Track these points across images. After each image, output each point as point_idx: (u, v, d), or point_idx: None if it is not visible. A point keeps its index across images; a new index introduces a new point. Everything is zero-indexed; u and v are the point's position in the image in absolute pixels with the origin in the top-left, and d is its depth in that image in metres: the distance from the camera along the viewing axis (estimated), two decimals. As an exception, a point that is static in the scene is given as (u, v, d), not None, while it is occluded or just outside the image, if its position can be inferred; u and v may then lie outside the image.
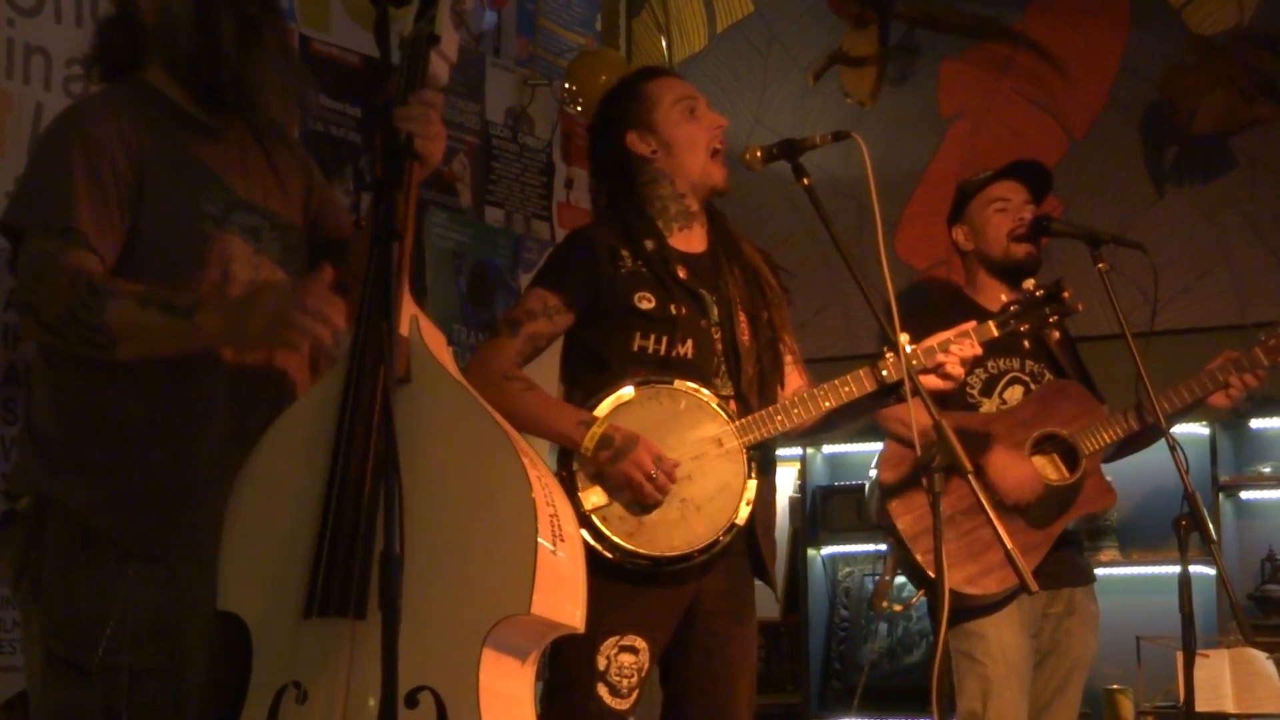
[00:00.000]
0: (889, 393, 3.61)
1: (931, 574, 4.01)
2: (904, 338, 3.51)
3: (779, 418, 3.57)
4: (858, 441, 5.65)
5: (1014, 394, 4.35)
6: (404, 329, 2.73)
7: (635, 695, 3.50)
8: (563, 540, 2.69)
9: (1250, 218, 5.37)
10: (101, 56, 3.00)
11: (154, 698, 2.71)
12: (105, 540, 2.74)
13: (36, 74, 3.85)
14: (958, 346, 3.63)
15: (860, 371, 3.61)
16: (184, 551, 2.77)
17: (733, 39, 6.26)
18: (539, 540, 2.58)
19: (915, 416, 3.35)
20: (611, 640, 3.44)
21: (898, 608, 5.31)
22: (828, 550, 5.83)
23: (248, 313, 2.68)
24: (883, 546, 5.60)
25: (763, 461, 3.62)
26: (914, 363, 3.54)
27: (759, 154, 3.67)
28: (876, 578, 5.42)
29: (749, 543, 3.62)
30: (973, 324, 3.71)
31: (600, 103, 3.94)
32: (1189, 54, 5.42)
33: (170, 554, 2.76)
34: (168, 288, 2.76)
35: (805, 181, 3.56)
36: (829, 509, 5.72)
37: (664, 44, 6.22)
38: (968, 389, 4.31)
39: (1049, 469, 4.25)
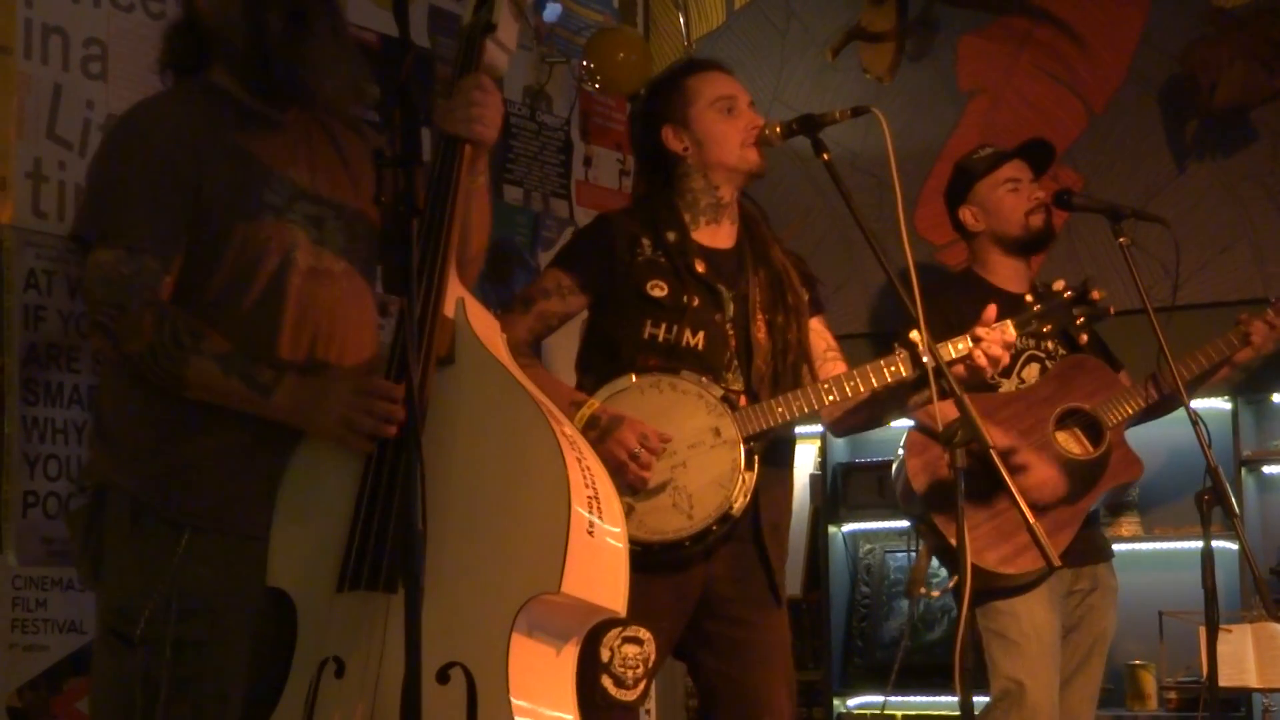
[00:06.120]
0: (910, 388, 3.59)
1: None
2: (916, 334, 3.45)
3: (779, 409, 3.55)
4: (878, 418, 5.65)
5: (1031, 372, 4.36)
6: (449, 310, 2.75)
7: (642, 686, 3.48)
8: (602, 522, 2.68)
9: (1272, 191, 5.34)
10: (170, 61, 3.08)
11: (193, 669, 2.76)
12: (153, 515, 2.82)
13: (55, 54, 3.85)
14: (986, 344, 3.57)
15: (869, 367, 3.58)
16: (230, 529, 2.83)
17: (750, 16, 6.24)
18: (573, 520, 2.59)
19: (941, 411, 3.33)
20: (614, 632, 3.42)
21: (934, 593, 5.32)
22: (849, 527, 5.82)
23: (320, 414, 2.76)
24: (903, 523, 5.61)
25: (770, 455, 3.60)
26: (928, 358, 3.50)
27: (778, 129, 3.66)
28: (912, 561, 5.42)
29: (755, 539, 3.60)
30: (992, 314, 3.66)
31: (645, 90, 3.96)
32: (1209, 27, 5.38)
33: (216, 528, 2.82)
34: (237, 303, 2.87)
35: (825, 157, 3.55)
36: (850, 486, 5.71)
37: (682, 21, 6.19)
38: (986, 370, 4.32)
39: (1072, 444, 4.25)
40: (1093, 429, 4.25)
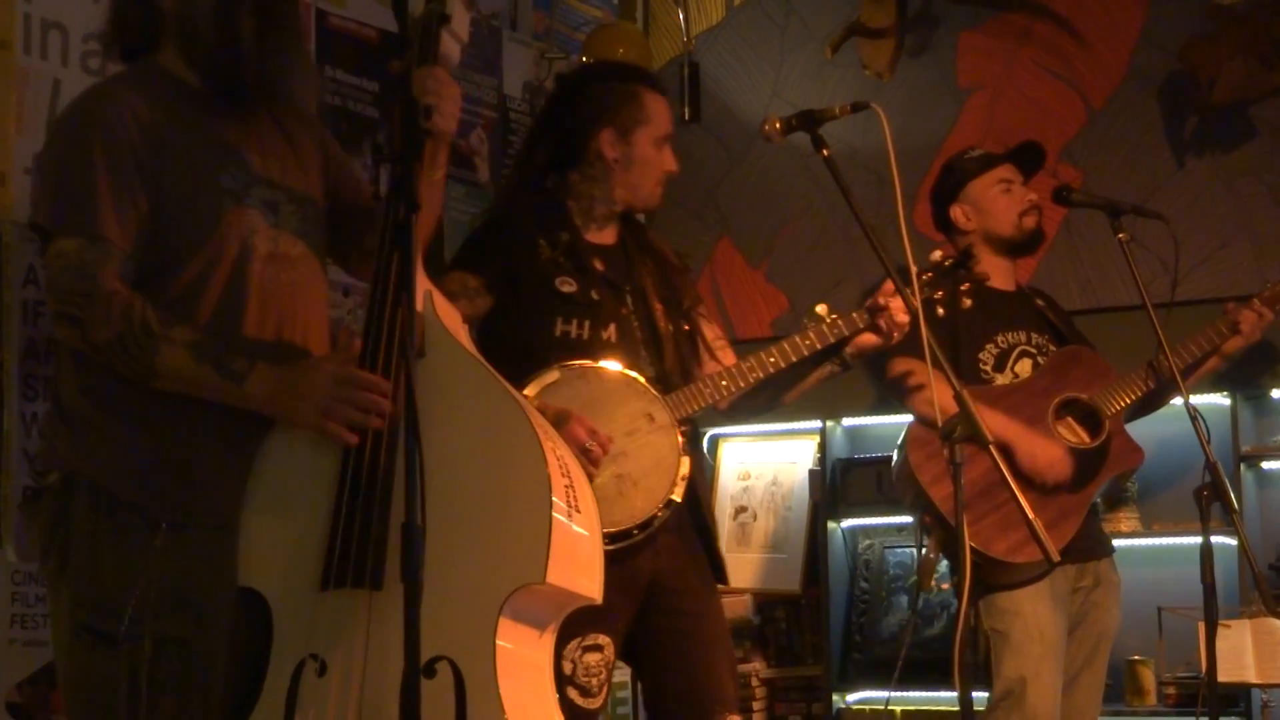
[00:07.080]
0: (817, 361, 3.67)
1: (976, 546, 4.00)
2: (823, 307, 3.67)
3: (708, 391, 3.58)
4: (877, 414, 5.65)
5: (1024, 367, 4.39)
6: (419, 304, 2.74)
7: (605, 690, 3.48)
8: (579, 511, 2.70)
9: (1271, 187, 5.34)
10: (119, 36, 3.02)
11: (177, 667, 2.73)
12: (130, 510, 2.76)
13: (54, 50, 3.85)
14: (891, 311, 3.66)
15: (785, 343, 3.64)
16: (207, 521, 2.79)
17: (750, 11, 6.23)
18: (554, 510, 2.60)
19: (938, 395, 3.36)
20: (574, 643, 3.41)
21: (945, 586, 5.34)
22: (848, 523, 5.81)
23: (298, 401, 2.72)
24: (903, 519, 5.61)
25: (693, 438, 3.62)
26: (838, 327, 3.64)
27: (778, 125, 3.67)
28: (917, 555, 5.42)
29: (695, 521, 3.62)
30: (890, 286, 3.70)
31: (587, 77, 3.89)
32: (1209, 23, 5.38)
33: (194, 522, 2.78)
34: (210, 314, 2.83)
35: (825, 152, 3.56)
36: (849, 482, 5.71)
37: (681, 17, 6.19)
38: (980, 365, 4.33)
39: (1069, 435, 4.26)
40: (1090, 419, 4.26)
